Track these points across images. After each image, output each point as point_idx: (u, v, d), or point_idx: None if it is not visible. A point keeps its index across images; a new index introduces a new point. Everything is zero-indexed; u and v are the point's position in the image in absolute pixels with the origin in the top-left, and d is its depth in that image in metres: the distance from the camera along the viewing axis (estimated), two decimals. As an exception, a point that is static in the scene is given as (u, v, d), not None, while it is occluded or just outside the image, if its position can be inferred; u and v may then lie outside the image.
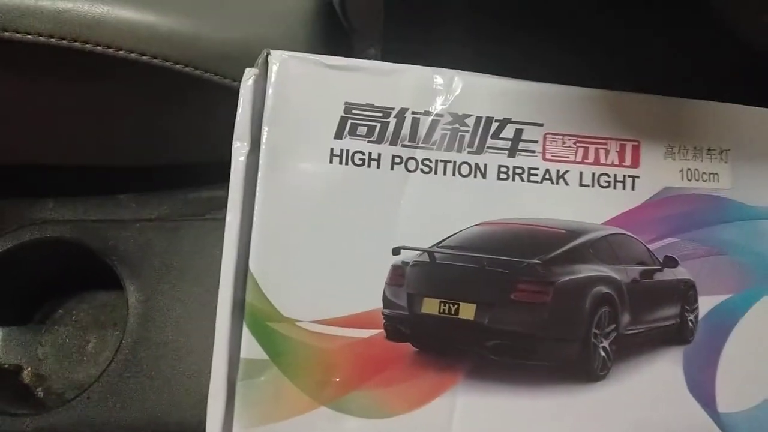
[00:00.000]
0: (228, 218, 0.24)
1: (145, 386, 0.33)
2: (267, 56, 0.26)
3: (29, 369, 0.38)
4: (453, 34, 0.36)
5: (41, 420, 0.32)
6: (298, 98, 0.25)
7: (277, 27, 0.32)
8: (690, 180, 0.27)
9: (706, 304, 0.27)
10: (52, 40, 0.27)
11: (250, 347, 0.24)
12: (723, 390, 0.26)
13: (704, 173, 0.28)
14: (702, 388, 0.26)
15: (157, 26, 0.29)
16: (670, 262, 0.27)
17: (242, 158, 0.25)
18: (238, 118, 0.25)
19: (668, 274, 0.27)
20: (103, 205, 0.39)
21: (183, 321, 0.34)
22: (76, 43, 0.27)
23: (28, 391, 0.37)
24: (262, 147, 0.25)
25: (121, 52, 0.28)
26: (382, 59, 0.36)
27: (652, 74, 0.30)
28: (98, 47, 0.27)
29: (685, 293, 0.27)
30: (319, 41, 0.35)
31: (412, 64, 0.27)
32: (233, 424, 0.23)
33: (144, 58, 0.28)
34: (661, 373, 0.26)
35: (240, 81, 0.25)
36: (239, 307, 0.24)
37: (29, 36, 0.27)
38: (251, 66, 0.25)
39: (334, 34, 0.37)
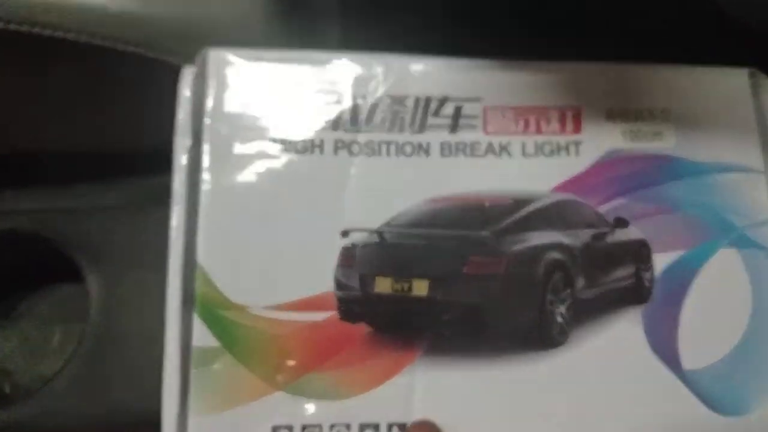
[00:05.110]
0: (173, 211, 0.25)
1: (110, 376, 0.32)
2: (205, 55, 0.26)
3: (-6, 365, 0.37)
4: (408, 20, 0.36)
5: (4, 414, 0.32)
6: (237, 92, 0.26)
7: (233, 7, 0.31)
8: (634, 141, 0.28)
9: (661, 261, 0.26)
10: None
11: (202, 335, 0.24)
12: (686, 347, 0.26)
13: (647, 133, 0.28)
14: (665, 347, 0.26)
15: (106, 7, 0.28)
16: (621, 222, 0.27)
17: (185, 153, 0.25)
18: (179, 115, 0.26)
19: (620, 235, 0.27)
20: (62, 194, 0.37)
21: (146, 309, 0.33)
22: (24, 27, 0.26)
23: (-6, 387, 0.37)
24: (205, 140, 0.26)
25: (70, 34, 0.27)
26: (343, 43, 0.36)
27: (590, 40, 0.30)
28: (46, 30, 0.27)
29: (638, 253, 0.27)
30: (278, 22, 0.34)
31: (373, 50, 0.27)
32: (188, 413, 0.24)
33: (94, 40, 0.28)
34: (622, 335, 0.26)
35: (195, 62, 0.26)
36: (190, 297, 0.24)
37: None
38: (207, 46, 0.26)
39: (294, 15, 0.36)
